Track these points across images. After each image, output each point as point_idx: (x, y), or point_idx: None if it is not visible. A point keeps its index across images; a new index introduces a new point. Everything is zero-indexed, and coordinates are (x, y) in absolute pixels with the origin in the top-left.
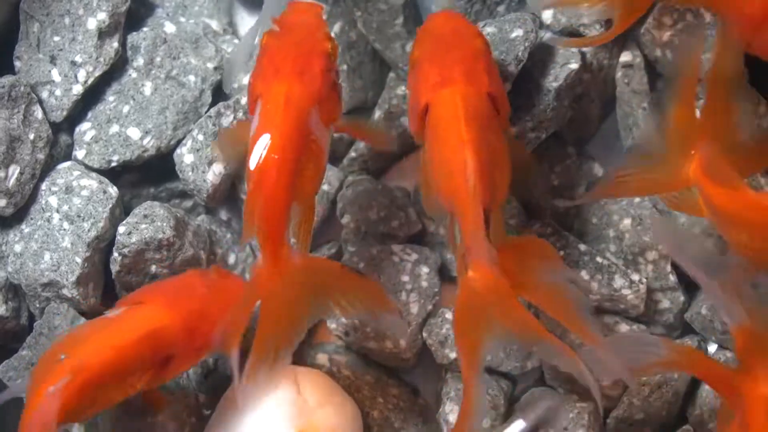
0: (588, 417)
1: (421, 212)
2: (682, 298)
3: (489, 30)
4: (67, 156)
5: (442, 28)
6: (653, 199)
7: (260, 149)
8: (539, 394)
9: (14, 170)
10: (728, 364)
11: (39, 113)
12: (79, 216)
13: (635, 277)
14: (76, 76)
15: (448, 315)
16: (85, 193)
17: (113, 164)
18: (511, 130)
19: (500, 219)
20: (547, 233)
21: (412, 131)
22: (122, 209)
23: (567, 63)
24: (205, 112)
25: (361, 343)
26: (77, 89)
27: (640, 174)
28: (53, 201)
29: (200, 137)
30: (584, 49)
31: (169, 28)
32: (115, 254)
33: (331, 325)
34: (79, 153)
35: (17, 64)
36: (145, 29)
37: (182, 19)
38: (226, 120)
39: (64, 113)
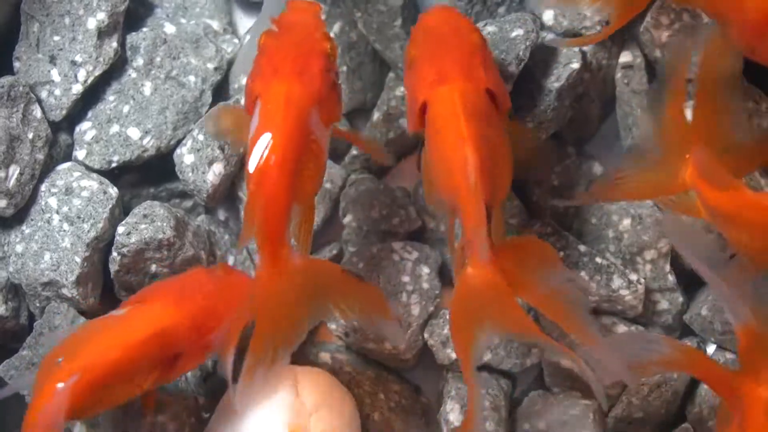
0: (593, 415)
1: (421, 210)
2: (680, 299)
3: (489, 29)
4: (67, 156)
5: (437, 24)
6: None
7: (261, 150)
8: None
9: (14, 170)
10: (727, 366)
11: (38, 112)
12: (78, 217)
13: (633, 277)
14: (75, 76)
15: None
16: (85, 194)
17: (114, 164)
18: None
19: (501, 218)
20: (546, 233)
21: (410, 130)
22: (122, 209)
23: (569, 63)
24: (206, 112)
25: (361, 344)
26: (77, 88)
27: (637, 178)
28: (53, 202)
29: (200, 137)
30: (585, 49)
31: (169, 28)
32: (114, 254)
33: (331, 325)
34: (80, 153)
35: (16, 64)
36: (144, 29)
37: (182, 20)
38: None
39: (64, 112)
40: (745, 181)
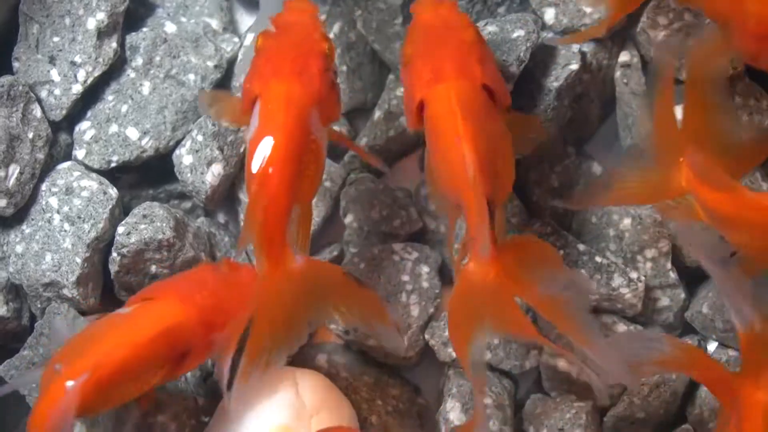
0: (585, 417)
1: (422, 210)
2: (682, 295)
3: (490, 29)
4: (67, 156)
5: (432, 20)
6: None
7: (263, 151)
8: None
9: (14, 170)
10: (729, 365)
11: (38, 112)
12: (79, 217)
13: (633, 275)
14: (75, 76)
15: None
16: (85, 194)
17: (113, 164)
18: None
19: (503, 217)
20: (546, 232)
21: (409, 128)
22: (122, 210)
23: (568, 63)
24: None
25: (361, 342)
26: (77, 88)
27: (635, 184)
28: (54, 202)
29: (199, 137)
30: (584, 49)
31: (170, 27)
32: (114, 254)
33: (331, 324)
34: (79, 153)
35: (16, 65)
36: (144, 29)
37: (183, 19)
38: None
39: (64, 112)
40: (745, 183)
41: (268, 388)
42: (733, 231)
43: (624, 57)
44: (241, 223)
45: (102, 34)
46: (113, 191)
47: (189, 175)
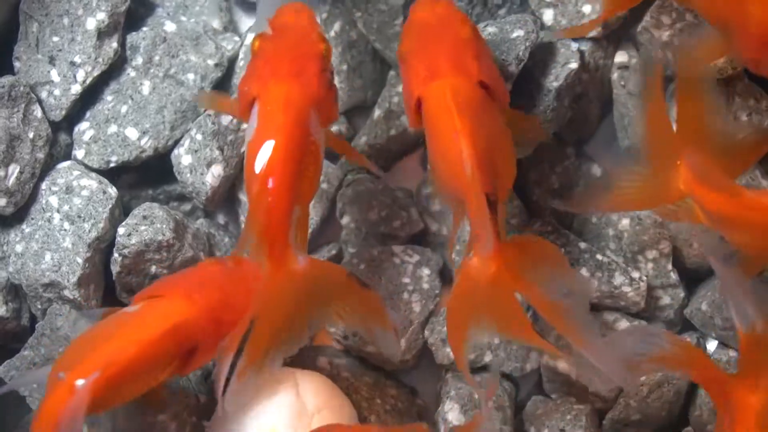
0: (585, 419)
1: (423, 211)
2: (682, 294)
3: (490, 30)
4: (67, 156)
5: (428, 18)
6: None
7: (264, 152)
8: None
9: (14, 169)
10: (729, 365)
11: (38, 112)
12: (79, 216)
13: (635, 274)
14: (74, 76)
15: None
16: (85, 193)
17: (112, 164)
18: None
19: (503, 215)
20: (547, 231)
21: (410, 127)
22: (121, 210)
23: (567, 63)
24: (204, 110)
25: (360, 347)
26: (76, 89)
27: (634, 190)
28: (54, 201)
29: (198, 137)
30: (582, 49)
31: (170, 26)
32: (116, 255)
33: (330, 329)
34: (79, 153)
35: (16, 64)
36: (144, 29)
37: (183, 18)
38: (226, 118)
39: (63, 112)
40: (745, 180)
41: (268, 389)
42: (733, 231)
43: (621, 57)
44: (242, 224)
45: (102, 34)
46: (112, 191)
47: (188, 175)
